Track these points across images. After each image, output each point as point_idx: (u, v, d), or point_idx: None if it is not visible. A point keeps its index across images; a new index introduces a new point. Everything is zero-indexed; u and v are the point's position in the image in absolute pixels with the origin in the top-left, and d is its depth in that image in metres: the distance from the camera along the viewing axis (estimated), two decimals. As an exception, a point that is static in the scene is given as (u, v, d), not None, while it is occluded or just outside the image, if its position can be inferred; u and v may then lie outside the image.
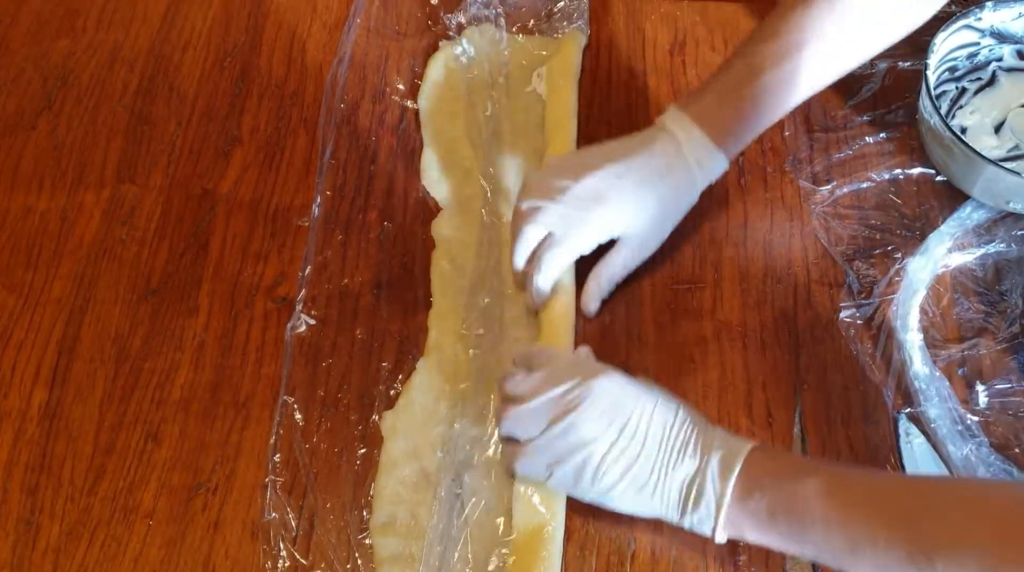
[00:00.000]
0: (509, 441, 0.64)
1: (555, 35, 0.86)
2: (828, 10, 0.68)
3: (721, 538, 0.59)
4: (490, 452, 0.67)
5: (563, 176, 0.70)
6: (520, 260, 0.71)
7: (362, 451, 0.68)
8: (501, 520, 0.65)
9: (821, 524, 0.55)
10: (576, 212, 0.68)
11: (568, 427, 0.60)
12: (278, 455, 0.67)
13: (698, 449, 0.59)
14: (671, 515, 0.60)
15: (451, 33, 0.85)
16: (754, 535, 0.58)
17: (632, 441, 0.59)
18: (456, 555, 0.64)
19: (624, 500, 0.60)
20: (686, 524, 0.60)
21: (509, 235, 0.72)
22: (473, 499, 0.66)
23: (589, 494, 0.61)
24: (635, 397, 0.61)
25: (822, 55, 0.69)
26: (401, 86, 0.83)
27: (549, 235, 0.69)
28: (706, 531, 0.59)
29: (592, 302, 0.72)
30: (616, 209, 0.69)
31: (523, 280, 0.71)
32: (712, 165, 0.70)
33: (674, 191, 0.70)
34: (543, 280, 0.70)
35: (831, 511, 0.55)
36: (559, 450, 0.60)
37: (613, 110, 0.82)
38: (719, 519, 0.58)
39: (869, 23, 0.70)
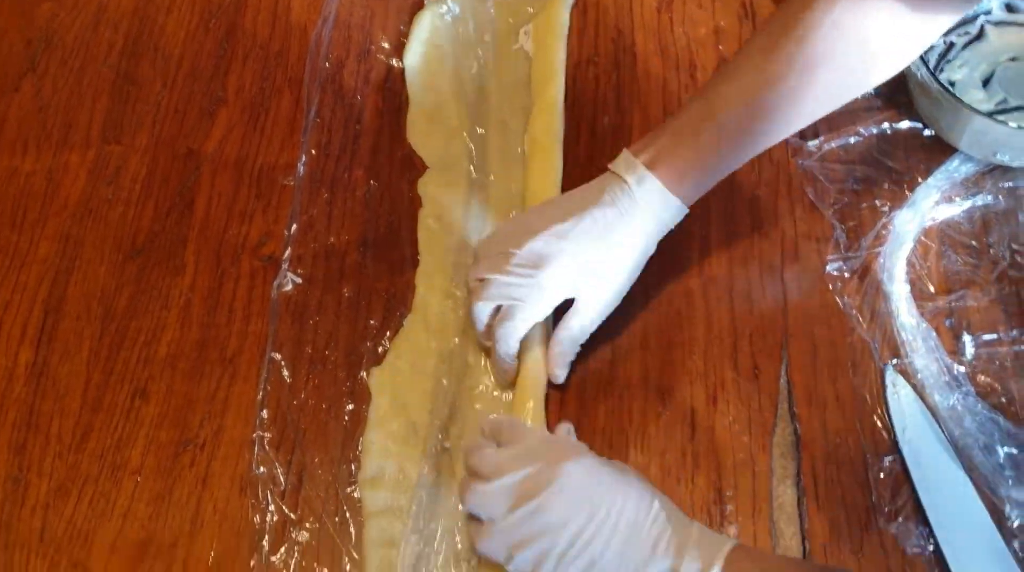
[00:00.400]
0: (472, 519, 0.60)
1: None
2: (795, 52, 0.61)
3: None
4: (478, 406, 0.68)
5: (507, 243, 0.66)
6: (481, 337, 0.68)
7: (350, 407, 0.68)
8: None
9: None
10: (521, 281, 0.65)
11: (532, 512, 0.56)
12: (265, 411, 0.67)
13: (671, 548, 0.55)
14: None
15: (437, -9, 0.85)
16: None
17: (599, 533, 0.55)
18: (444, 507, 0.64)
19: None
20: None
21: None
22: (461, 453, 0.66)
23: None
24: (607, 485, 0.57)
25: (801, 92, 0.63)
26: (386, 44, 0.83)
27: (500, 309, 0.66)
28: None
29: (558, 368, 0.67)
30: (562, 271, 0.65)
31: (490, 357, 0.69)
32: (667, 214, 0.65)
33: (626, 245, 0.65)
34: (503, 354, 0.66)
35: None
36: (521, 534, 0.56)
37: (601, 67, 0.81)
38: None
39: (836, 70, 0.63)
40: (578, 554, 0.55)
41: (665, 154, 0.64)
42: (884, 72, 0.65)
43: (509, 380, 0.68)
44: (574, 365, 0.69)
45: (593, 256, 0.65)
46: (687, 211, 0.66)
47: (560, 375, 0.68)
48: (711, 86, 0.64)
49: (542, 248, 0.65)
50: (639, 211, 0.64)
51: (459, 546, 0.63)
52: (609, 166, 0.66)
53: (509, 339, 0.66)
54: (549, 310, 0.67)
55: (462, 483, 0.60)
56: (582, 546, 0.55)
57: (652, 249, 0.67)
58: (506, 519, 0.57)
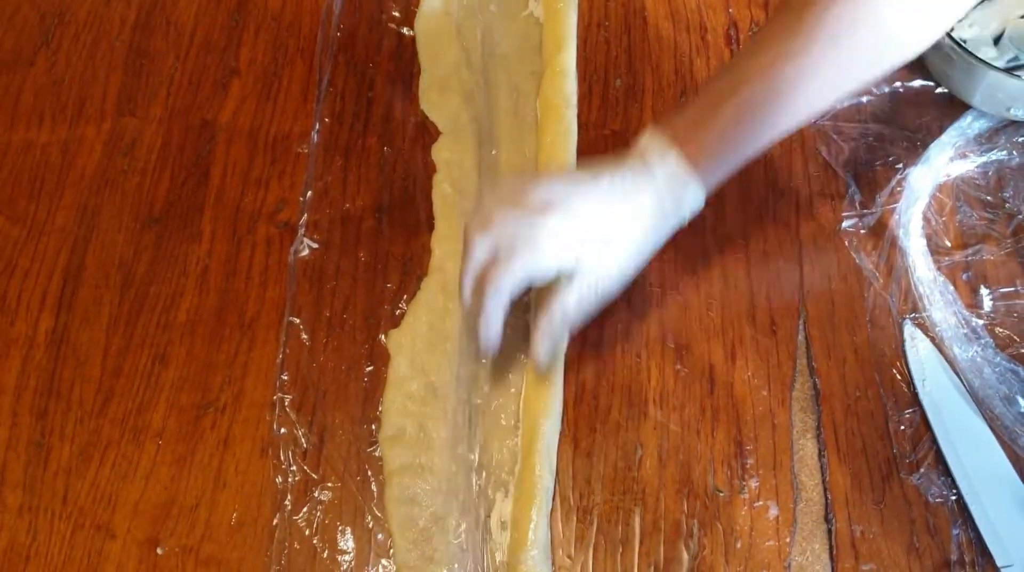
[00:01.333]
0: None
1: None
2: (815, 28, 0.58)
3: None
4: (497, 365, 0.68)
5: (515, 186, 0.63)
6: (466, 290, 0.62)
7: (369, 369, 0.68)
8: (508, 431, 0.65)
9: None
10: (524, 221, 0.60)
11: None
12: (285, 374, 0.68)
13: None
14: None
15: (446, -39, 0.85)
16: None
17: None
18: (472, 460, 0.64)
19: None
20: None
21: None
22: (482, 410, 0.66)
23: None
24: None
25: (820, 69, 0.60)
26: (397, 13, 0.83)
27: (495, 255, 0.61)
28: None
29: (541, 344, 0.63)
30: (566, 226, 0.60)
31: (472, 323, 0.64)
32: (685, 194, 0.61)
33: (637, 217, 0.61)
34: (490, 308, 0.61)
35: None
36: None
37: (611, 31, 0.81)
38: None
39: (856, 49, 0.60)
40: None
41: (686, 131, 0.61)
42: (903, 52, 0.62)
43: (490, 347, 0.63)
44: (593, 322, 0.68)
45: (601, 221, 0.61)
46: (703, 199, 0.62)
47: (543, 354, 0.63)
48: (733, 65, 0.62)
49: (549, 196, 0.61)
50: (656, 185, 0.60)
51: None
52: (635, 144, 0.62)
53: (499, 283, 0.60)
54: (547, 268, 0.61)
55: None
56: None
57: (664, 233, 0.62)
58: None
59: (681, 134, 0.61)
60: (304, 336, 0.69)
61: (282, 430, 0.66)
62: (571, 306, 0.61)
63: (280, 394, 0.67)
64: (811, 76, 0.60)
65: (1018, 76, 0.70)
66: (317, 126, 0.77)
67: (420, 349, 0.69)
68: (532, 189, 0.62)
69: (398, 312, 0.70)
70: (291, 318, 0.69)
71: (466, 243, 0.62)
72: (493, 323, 0.62)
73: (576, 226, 0.60)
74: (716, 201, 0.73)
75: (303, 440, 0.66)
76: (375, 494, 0.64)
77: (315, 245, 0.72)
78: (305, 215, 0.73)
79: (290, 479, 0.64)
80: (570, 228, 0.60)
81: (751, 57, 0.61)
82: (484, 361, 0.67)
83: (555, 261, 0.60)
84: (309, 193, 0.74)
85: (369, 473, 0.64)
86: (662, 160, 0.60)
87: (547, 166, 0.74)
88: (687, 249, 0.72)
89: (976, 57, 0.71)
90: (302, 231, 0.73)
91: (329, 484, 0.64)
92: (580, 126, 0.76)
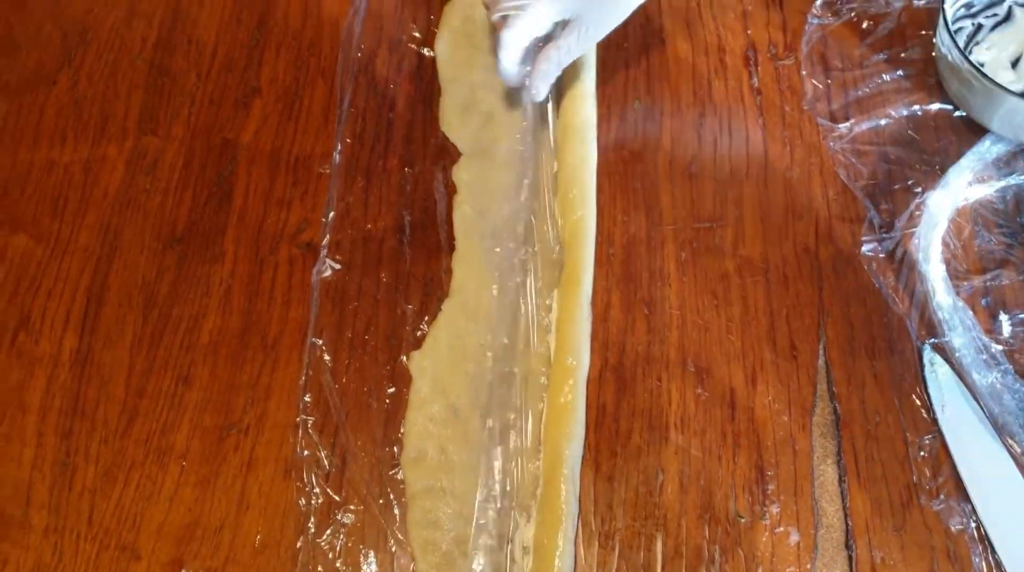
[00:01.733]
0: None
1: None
2: None
3: None
4: (517, 387, 0.68)
5: None
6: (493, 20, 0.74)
7: (391, 390, 0.69)
8: (528, 455, 0.66)
9: None
10: None
11: None
12: (308, 395, 0.68)
13: None
14: None
15: (466, -19, 0.86)
16: None
17: None
18: (493, 484, 0.65)
19: None
20: None
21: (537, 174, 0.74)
22: (503, 433, 0.67)
23: None
24: None
25: None
26: (417, 34, 0.83)
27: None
28: None
29: (539, 81, 0.73)
30: None
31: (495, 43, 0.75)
32: None
33: None
34: (504, 64, 0.73)
35: None
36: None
37: (630, 53, 0.82)
38: None
39: None
40: None
41: None
42: None
43: (509, 77, 0.74)
44: (613, 344, 0.69)
45: None
46: None
47: (541, 90, 0.74)
48: None
49: None
50: None
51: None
52: None
53: (508, 45, 0.72)
54: (548, 21, 0.72)
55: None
56: None
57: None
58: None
59: None
60: (327, 357, 0.69)
61: (305, 452, 0.66)
62: (563, 50, 0.72)
63: (303, 416, 0.67)
64: None
65: (1038, 102, 0.71)
66: (339, 146, 0.78)
67: (441, 371, 0.69)
68: None
69: (419, 333, 0.71)
70: (314, 339, 0.70)
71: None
72: (511, 53, 0.73)
73: None
74: (736, 225, 0.74)
75: (326, 462, 0.66)
76: (397, 517, 0.64)
77: (337, 266, 0.73)
78: (327, 236, 0.74)
79: (313, 501, 0.65)
80: None
81: None
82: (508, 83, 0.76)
83: (555, 15, 0.71)
84: (331, 214, 0.75)
85: (391, 496, 0.65)
86: None
87: (568, 189, 0.74)
88: (707, 271, 0.72)
89: (995, 82, 0.72)
90: (324, 252, 0.73)
91: (352, 507, 0.65)
92: (599, 148, 0.76)
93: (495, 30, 0.73)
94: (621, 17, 0.72)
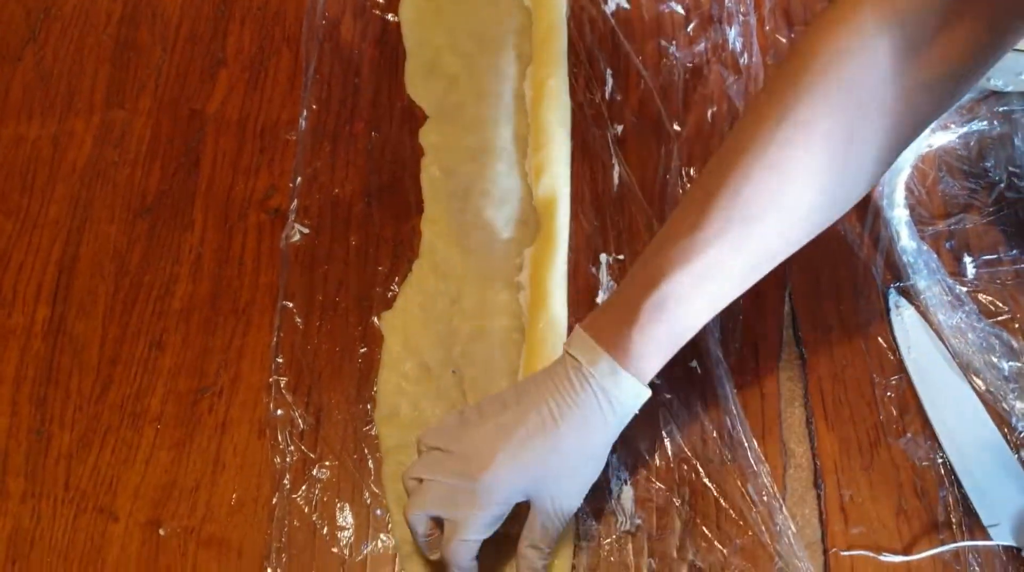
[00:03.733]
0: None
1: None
2: (736, 199, 0.55)
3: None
4: (489, 343, 0.69)
5: (447, 439, 0.59)
6: (423, 549, 0.60)
7: (363, 350, 0.69)
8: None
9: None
10: (460, 484, 0.57)
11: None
12: (280, 357, 0.69)
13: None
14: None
15: (429, -53, 0.86)
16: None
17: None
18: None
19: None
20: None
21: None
22: (474, 388, 0.67)
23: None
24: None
25: (742, 252, 0.57)
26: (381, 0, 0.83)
27: (445, 522, 0.58)
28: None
29: None
30: (506, 475, 0.56)
31: None
32: (623, 395, 0.57)
33: (581, 431, 0.57)
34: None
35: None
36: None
37: (597, 10, 0.82)
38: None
39: (791, 208, 0.57)
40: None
41: (610, 329, 0.57)
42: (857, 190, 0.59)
43: None
44: (583, 302, 0.70)
45: (542, 455, 0.57)
46: (646, 392, 0.58)
47: None
48: (655, 244, 0.58)
49: (482, 446, 0.57)
50: (592, 392, 0.57)
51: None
52: (564, 346, 0.59)
53: (460, 559, 0.57)
54: (498, 521, 0.58)
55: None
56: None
57: (612, 435, 0.59)
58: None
59: (605, 333, 0.57)
60: (298, 320, 0.70)
61: (279, 412, 0.67)
62: (537, 534, 0.59)
63: (276, 377, 0.68)
64: (730, 264, 0.57)
65: (995, 45, 0.71)
66: (304, 113, 0.78)
67: (413, 330, 0.70)
68: (463, 441, 0.58)
69: (390, 294, 0.71)
70: (284, 302, 0.70)
71: (406, 515, 0.59)
72: None
73: (517, 473, 0.57)
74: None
75: (300, 421, 0.66)
76: (372, 471, 0.65)
77: (306, 230, 0.73)
78: (295, 201, 0.74)
79: (288, 459, 0.65)
80: (511, 477, 0.57)
81: (668, 241, 0.57)
82: None
83: (504, 512, 0.58)
84: (299, 179, 0.75)
85: (366, 451, 0.65)
86: (594, 363, 0.57)
87: (544, 141, 0.75)
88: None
89: (954, 28, 0.72)
90: (293, 217, 0.74)
91: (327, 463, 0.65)
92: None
93: (408, 503, 0.59)
94: (587, 478, 0.60)
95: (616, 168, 0.75)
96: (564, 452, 0.57)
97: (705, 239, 0.55)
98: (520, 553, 0.59)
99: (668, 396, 0.66)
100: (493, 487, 0.56)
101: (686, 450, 0.65)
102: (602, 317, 0.58)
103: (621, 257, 0.72)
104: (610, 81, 0.79)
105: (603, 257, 0.72)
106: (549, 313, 0.68)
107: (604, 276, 0.71)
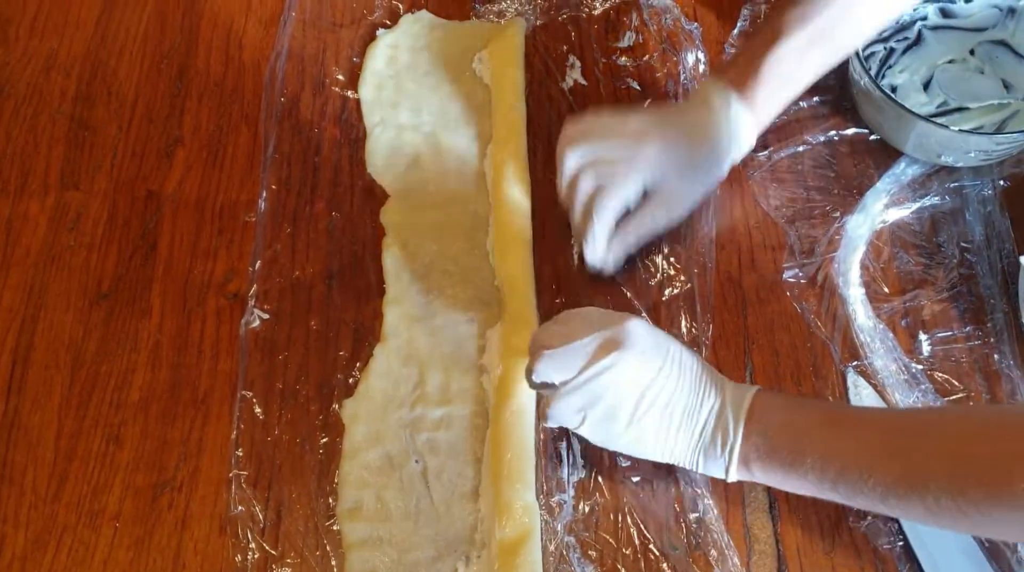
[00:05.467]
0: (543, 387, 0.63)
1: (492, 20, 0.86)
2: None
3: (733, 477, 0.61)
4: (453, 431, 0.69)
5: (604, 127, 0.71)
6: (577, 217, 0.72)
7: (324, 440, 0.69)
8: (467, 498, 0.66)
9: (820, 452, 0.57)
10: (620, 153, 0.69)
11: (610, 366, 0.59)
12: (240, 449, 0.68)
13: (715, 387, 0.61)
14: (691, 456, 0.61)
15: (387, 22, 0.86)
16: (759, 469, 0.59)
17: (669, 379, 0.60)
18: (423, 534, 0.65)
19: (654, 441, 0.61)
20: (701, 465, 0.61)
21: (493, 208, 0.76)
22: (439, 479, 0.67)
23: (621, 438, 0.61)
24: (667, 338, 0.62)
25: (851, 13, 0.69)
26: (341, 76, 0.83)
27: (598, 183, 0.70)
28: (719, 470, 0.61)
29: (618, 252, 0.72)
30: (655, 150, 0.69)
31: (581, 233, 0.72)
32: (745, 132, 0.69)
33: (706, 150, 0.69)
34: (597, 230, 0.70)
35: (828, 440, 0.57)
36: (597, 391, 0.60)
37: (555, 87, 0.83)
38: (733, 457, 0.60)
39: None
40: (654, 398, 0.60)
41: (739, 76, 0.69)
42: None
43: (597, 262, 0.72)
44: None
45: (680, 150, 0.69)
46: (755, 137, 0.70)
47: (617, 261, 0.73)
48: (779, 6, 0.70)
49: (642, 127, 0.70)
50: (719, 125, 0.68)
51: None
52: (699, 86, 0.72)
53: (605, 208, 0.70)
54: (634, 194, 0.70)
55: (529, 363, 0.63)
56: (657, 391, 0.60)
57: (723, 168, 0.71)
58: (581, 376, 0.60)
59: (734, 83, 0.69)
60: (258, 409, 0.69)
61: (239, 508, 0.66)
62: (647, 223, 0.72)
63: (236, 471, 0.67)
64: (843, 23, 0.69)
65: (946, 126, 0.72)
66: (264, 193, 0.78)
67: (375, 418, 0.69)
68: (625, 121, 0.70)
69: (351, 380, 0.71)
70: (243, 392, 0.70)
71: (562, 161, 0.71)
72: (600, 243, 0.71)
73: (660, 152, 0.69)
74: (662, 254, 0.75)
75: (261, 516, 0.66)
76: (335, 568, 0.64)
77: (266, 315, 0.73)
78: (255, 285, 0.74)
79: (250, 556, 0.64)
80: (659, 154, 0.69)
81: (791, 5, 0.68)
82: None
83: (650, 184, 0.70)
84: (258, 262, 0.75)
85: (328, 548, 0.65)
86: (724, 103, 0.68)
87: (506, 218, 0.75)
88: (636, 304, 0.73)
89: (905, 107, 0.74)
90: (252, 302, 0.73)
91: (289, 560, 0.64)
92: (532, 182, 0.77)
93: (582, 220, 0.71)
94: (696, 196, 0.72)
95: (576, 246, 0.75)
96: (696, 158, 0.70)
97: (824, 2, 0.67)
98: (625, 231, 0.72)
99: (635, 480, 0.66)
100: (645, 156, 0.69)
101: (651, 539, 0.65)
102: (730, 70, 0.69)
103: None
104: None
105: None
106: (516, 402, 0.68)
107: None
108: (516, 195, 0.76)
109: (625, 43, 0.85)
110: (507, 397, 0.68)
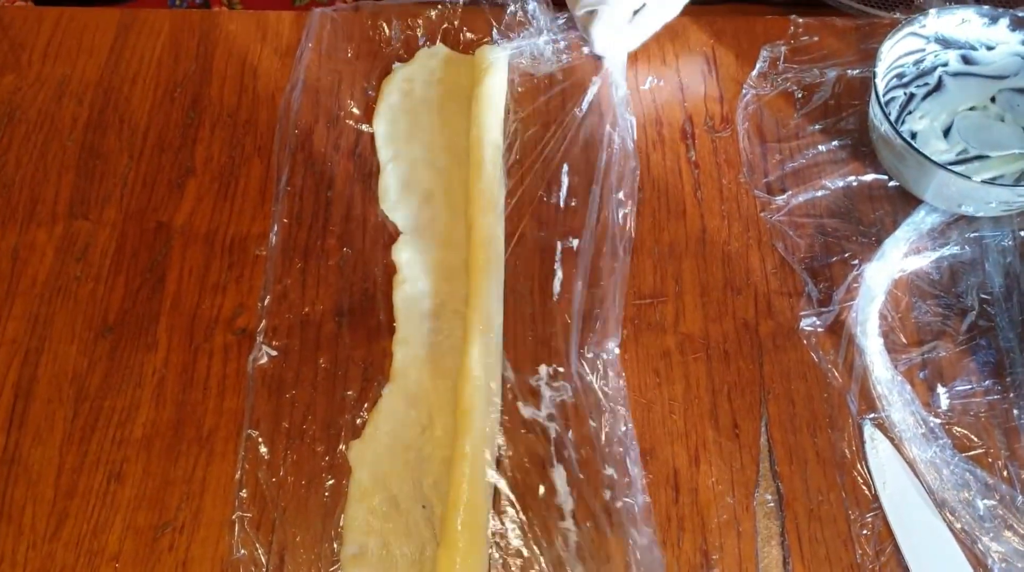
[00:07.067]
0: None
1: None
2: None
3: None
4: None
5: None
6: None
7: (330, 482, 0.67)
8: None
9: None
10: None
11: None
12: (244, 490, 0.66)
13: None
14: None
15: (404, 55, 0.85)
16: None
17: None
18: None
19: None
20: None
21: (471, 260, 0.72)
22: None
23: None
24: None
25: None
26: (356, 110, 0.83)
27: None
28: None
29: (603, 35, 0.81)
30: None
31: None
32: None
33: None
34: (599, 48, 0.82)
35: None
36: None
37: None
38: None
39: None
40: None
41: None
42: None
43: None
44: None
45: None
46: None
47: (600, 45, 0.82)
48: None
49: None
50: None
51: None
52: None
53: (599, 38, 0.81)
54: (629, 10, 0.80)
55: None
56: None
57: None
58: None
59: None
60: (263, 449, 0.68)
61: (242, 551, 0.64)
62: (643, 24, 0.82)
63: (239, 512, 0.66)
64: None
65: (967, 177, 0.72)
66: (275, 227, 0.77)
67: (382, 460, 0.68)
68: None
69: (359, 421, 0.69)
70: (249, 431, 0.68)
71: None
72: (602, 43, 0.82)
73: None
74: (676, 301, 0.74)
75: (263, 560, 0.64)
76: (338, 617, 0.63)
77: (274, 352, 0.72)
78: (264, 321, 0.72)
79: (251, 602, 0.63)
80: None
81: None
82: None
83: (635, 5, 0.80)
84: (267, 298, 0.73)
85: (332, 594, 0.63)
86: None
87: (476, 268, 0.74)
88: (649, 348, 0.72)
89: (925, 156, 0.73)
90: (260, 338, 0.72)
91: (291, 607, 0.63)
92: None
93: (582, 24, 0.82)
94: None
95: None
96: None
97: None
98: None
99: (644, 540, 0.65)
100: None
101: (661, 594, 0.64)
102: None
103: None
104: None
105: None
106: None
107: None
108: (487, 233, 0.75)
109: None
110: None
